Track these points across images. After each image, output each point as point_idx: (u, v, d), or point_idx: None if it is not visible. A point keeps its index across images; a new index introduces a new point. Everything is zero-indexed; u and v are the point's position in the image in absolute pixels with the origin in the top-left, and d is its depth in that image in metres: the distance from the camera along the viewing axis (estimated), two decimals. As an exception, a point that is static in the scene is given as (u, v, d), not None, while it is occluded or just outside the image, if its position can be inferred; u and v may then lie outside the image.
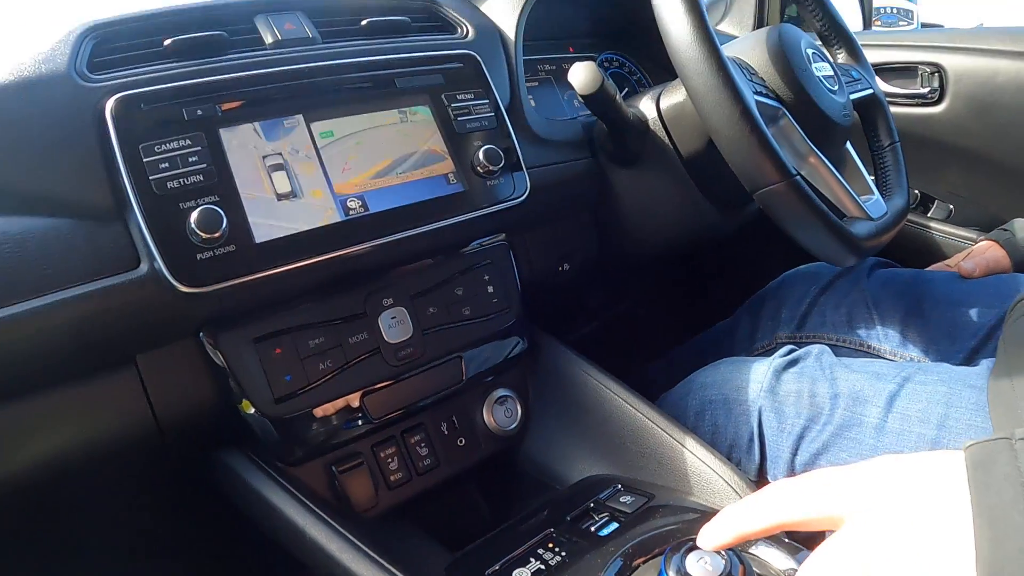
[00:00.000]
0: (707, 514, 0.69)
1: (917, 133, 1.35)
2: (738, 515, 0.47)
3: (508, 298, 0.87)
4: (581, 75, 0.85)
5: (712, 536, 0.49)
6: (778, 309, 1.11)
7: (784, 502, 0.45)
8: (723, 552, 0.52)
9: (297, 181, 0.70)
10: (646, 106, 0.97)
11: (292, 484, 0.72)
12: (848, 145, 1.00)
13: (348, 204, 0.72)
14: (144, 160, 0.63)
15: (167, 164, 0.64)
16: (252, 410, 0.70)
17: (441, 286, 0.82)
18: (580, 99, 0.88)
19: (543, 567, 0.65)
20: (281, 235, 0.67)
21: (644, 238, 1.03)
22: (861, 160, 1.00)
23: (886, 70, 1.40)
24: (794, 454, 0.80)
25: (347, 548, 0.65)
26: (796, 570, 0.56)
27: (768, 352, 1.08)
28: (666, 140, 0.95)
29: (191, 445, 0.75)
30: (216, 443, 0.76)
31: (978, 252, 1.08)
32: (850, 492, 0.42)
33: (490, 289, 0.86)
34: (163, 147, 0.64)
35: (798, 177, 0.78)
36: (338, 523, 0.68)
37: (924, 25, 2.87)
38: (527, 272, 0.94)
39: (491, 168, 0.80)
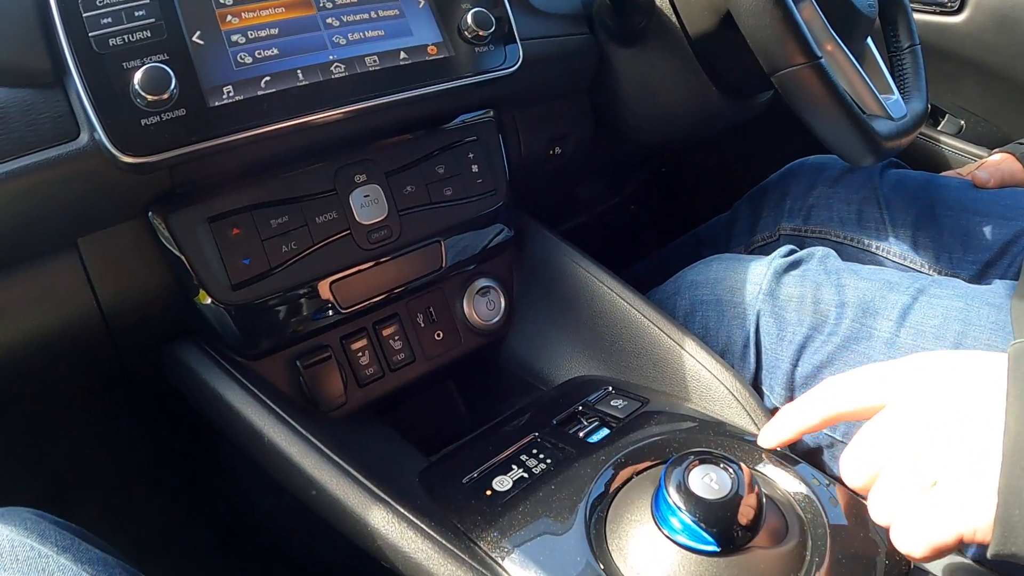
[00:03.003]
0: (707, 423, 0.65)
1: (933, 43, 1.31)
2: (797, 412, 0.53)
3: (494, 180, 0.81)
4: None
5: (773, 435, 0.55)
6: (782, 200, 1.06)
7: (839, 395, 0.51)
8: (730, 468, 0.49)
9: (256, 35, 0.62)
10: None
11: (251, 380, 0.67)
12: (869, 41, 0.96)
13: (320, 66, 0.64)
14: (84, 15, 0.56)
15: (110, 19, 0.56)
16: (208, 300, 0.65)
17: (420, 163, 0.76)
18: None
19: (526, 475, 0.60)
20: (238, 98, 0.60)
21: (642, 124, 0.98)
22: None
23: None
24: (795, 365, 0.75)
25: (309, 452, 0.60)
26: (801, 492, 0.56)
27: (769, 245, 1.03)
28: (672, 18, 0.90)
29: (142, 337, 0.70)
30: (170, 335, 0.71)
31: (992, 163, 1.04)
32: (897, 381, 0.48)
33: (475, 169, 0.80)
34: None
35: (823, 60, 0.73)
36: (300, 423, 0.63)
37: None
38: (516, 154, 0.89)
39: (480, 33, 0.72)
